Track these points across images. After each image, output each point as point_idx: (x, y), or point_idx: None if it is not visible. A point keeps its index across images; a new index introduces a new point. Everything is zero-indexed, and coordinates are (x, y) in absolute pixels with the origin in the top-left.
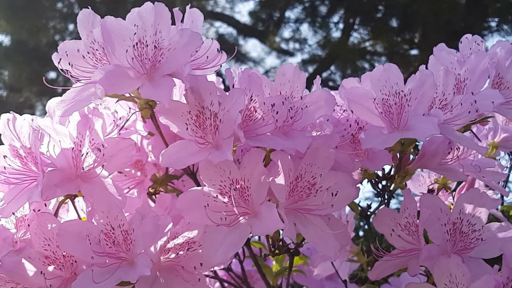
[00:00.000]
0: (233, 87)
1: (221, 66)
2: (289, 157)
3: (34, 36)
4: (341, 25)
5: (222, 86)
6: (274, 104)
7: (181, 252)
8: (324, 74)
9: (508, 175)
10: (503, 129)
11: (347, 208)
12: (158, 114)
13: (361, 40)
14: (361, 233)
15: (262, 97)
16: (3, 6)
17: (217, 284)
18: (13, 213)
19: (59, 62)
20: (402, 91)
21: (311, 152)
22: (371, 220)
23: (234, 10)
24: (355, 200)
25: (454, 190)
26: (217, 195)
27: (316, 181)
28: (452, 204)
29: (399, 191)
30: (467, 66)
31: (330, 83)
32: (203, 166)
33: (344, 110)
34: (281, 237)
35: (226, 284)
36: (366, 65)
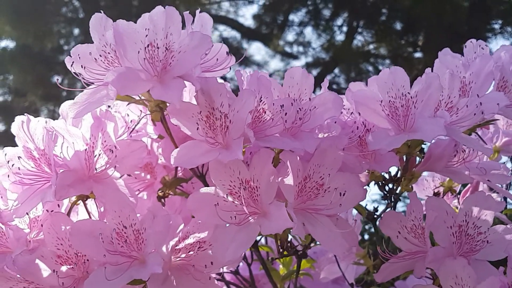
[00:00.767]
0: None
1: (230, 68)
2: (298, 158)
3: (39, 41)
4: (344, 28)
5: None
6: (283, 105)
7: (191, 252)
8: (328, 77)
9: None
10: (504, 133)
11: (354, 211)
12: (169, 114)
13: (365, 43)
14: (366, 237)
15: (271, 98)
16: (8, 11)
17: (225, 287)
18: (27, 213)
19: (71, 65)
20: (408, 93)
21: (320, 153)
22: (377, 223)
23: (238, 13)
24: (361, 203)
25: (459, 193)
26: (226, 195)
27: (324, 181)
28: (457, 207)
29: (405, 194)
30: (472, 69)
31: (334, 86)
32: (213, 166)
33: (351, 113)
34: (289, 239)
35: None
36: (370, 68)
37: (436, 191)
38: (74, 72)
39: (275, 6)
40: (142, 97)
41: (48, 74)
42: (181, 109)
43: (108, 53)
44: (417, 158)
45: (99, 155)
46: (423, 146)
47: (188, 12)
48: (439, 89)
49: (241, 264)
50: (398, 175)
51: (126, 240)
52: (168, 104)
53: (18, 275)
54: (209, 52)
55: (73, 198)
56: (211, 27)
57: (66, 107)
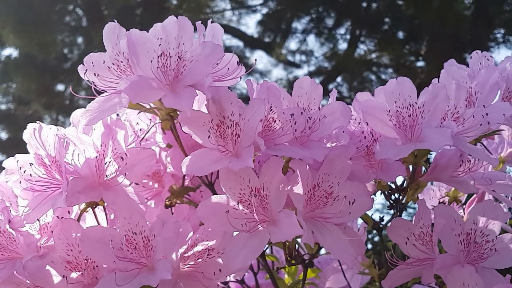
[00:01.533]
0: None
1: (240, 78)
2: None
3: (43, 50)
4: (347, 37)
5: None
6: (293, 114)
7: (200, 259)
8: (331, 86)
9: None
10: (509, 143)
11: (359, 221)
12: (180, 123)
13: (367, 52)
14: (369, 246)
15: (280, 108)
16: (12, 20)
17: None
18: (38, 220)
19: (85, 73)
20: (415, 103)
21: (328, 161)
22: (383, 233)
23: (240, 22)
24: (367, 213)
25: (465, 203)
26: (237, 203)
27: (333, 190)
28: (463, 217)
29: (410, 203)
30: (478, 80)
31: (337, 95)
32: (223, 174)
33: (359, 123)
34: (296, 248)
35: None
36: (373, 77)
37: (441, 200)
38: (87, 80)
39: (277, 15)
40: (153, 106)
41: (52, 82)
42: (192, 117)
43: (121, 61)
44: (423, 168)
45: (109, 162)
46: (428, 156)
47: (200, 22)
48: (445, 99)
49: (246, 274)
50: (404, 185)
51: (136, 247)
52: (179, 113)
53: (27, 281)
54: (220, 61)
55: (83, 205)
56: (222, 37)
57: (77, 114)
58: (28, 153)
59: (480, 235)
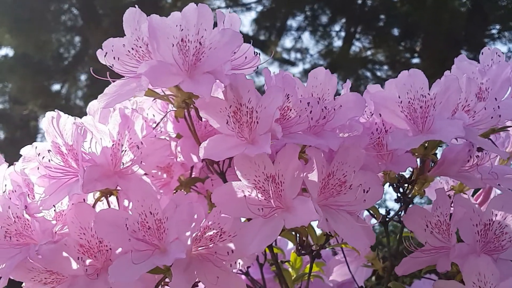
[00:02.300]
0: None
1: (257, 68)
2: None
3: (39, 49)
4: (342, 34)
5: None
6: (309, 102)
7: (211, 243)
8: None
9: None
10: None
11: (365, 213)
12: (198, 108)
13: (362, 49)
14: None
15: (295, 97)
16: (7, 20)
17: None
18: (54, 206)
19: (105, 56)
20: (427, 94)
21: (343, 150)
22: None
23: None
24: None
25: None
26: (251, 189)
27: (347, 178)
28: None
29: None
30: (489, 75)
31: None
32: (239, 161)
33: (371, 114)
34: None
35: None
36: (368, 74)
37: (447, 194)
38: (108, 65)
39: (272, 13)
40: (170, 92)
41: (48, 82)
42: (210, 103)
43: (140, 47)
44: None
45: (125, 151)
46: (437, 151)
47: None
48: (458, 91)
49: (252, 262)
50: (413, 178)
51: (149, 229)
52: (194, 101)
53: (40, 266)
54: (237, 50)
55: (97, 194)
56: (239, 27)
57: (94, 105)
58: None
59: (498, 227)
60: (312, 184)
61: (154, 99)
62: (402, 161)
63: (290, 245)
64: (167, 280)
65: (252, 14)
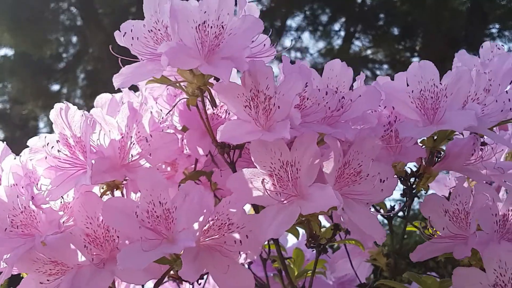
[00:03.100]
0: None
1: (275, 56)
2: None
3: (38, 49)
4: (342, 33)
5: None
6: (327, 92)
7: (217, 233)
8: None
9: None
10: None
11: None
12: (216, 91)
13: (362, 48)
14: None
15: (311, 87)
16: (7, 19)
17: None
18: (61, 197)
19: (123, 36)
20: (440, 84)
21: (359, 140)
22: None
23: None
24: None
25: None
26: (267, 176)
27: (362, 168)
28: None
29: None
30: (491, 67)
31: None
32: (254, 147)
33: (385, 107)
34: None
35: None
36: (368, 73)
37: (452, 190)
38: (125, 45)
39: (272, 12)
40: (182, 79)
41: (47, 82)
42: (228, 87)
43: (159, 30)
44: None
45: (133, 145)
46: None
47: None
48: (469, 82)
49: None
50: (420, 171)
51: (157, 218)
52: (209, 88)
53: (45, 256)
54: (256, 38)
55: (104, 188)
56: (258, 16)
57: (102, 98)
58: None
59: None
60: (329, 172)
61: (167, 85)
62: (411, 152)
63: (290, 242)
64: (171, 272)
65: None
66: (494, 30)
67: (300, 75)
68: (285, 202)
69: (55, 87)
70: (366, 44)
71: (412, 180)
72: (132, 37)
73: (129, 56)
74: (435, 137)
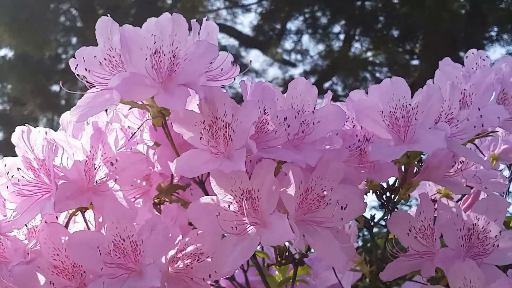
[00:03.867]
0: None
1: (234, 79)
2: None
3: (38, 50)
4: (342, 36)
5: None
6: (286, 117)
7: (188, 262)
8: (326, 85)
9: (509, 187)
10: (503, 140)
11: None
12: (172, 122)
13: (362, 51)
14: (360, 243)
15: (274, 109)
16: (6, 20)
17: None
18: (25, 225)
19: (76, 68)
20: (409, 104)
21: (322, 165)
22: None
23: (235, 21)
24: None
25: (459, 200)
26: (227, 205)
27: (326, 193)
28: None
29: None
30: (473, 81)
31: (332, 94)
32: (214, 176)
33: (354, 126)
34: (287, 246)
35: None
36: (368, 75)
37: (433, 198)
38: (77, 74)
39: (272, 14)
40: (145, 102)
41: (47, 83)
42: (184, 117)
43: (113, 57)
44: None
45: (99, 167)
46: (422, 156)
47: (195, 20)
48: (440, 101)
49: (236, 270)
50: (396, 185)
51: (124, 252)
52: (171, 111)
53: (14, 286)
54: (214, 61)
55: (72, 210)
56: (217, 35)
57: (67, 116)
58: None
59: (481, 231)
60: (289, 199)
61: (130, 108)
62: (384, 170)
63: None
64: None
65: (252, 16)
66: (493, 33)
67: (262, 98)
68: (245, 231)
69: (55, 88)
70: (366, 46)
71: (390, 193)
72: (85, 68)
73: None
74: (408, 155)
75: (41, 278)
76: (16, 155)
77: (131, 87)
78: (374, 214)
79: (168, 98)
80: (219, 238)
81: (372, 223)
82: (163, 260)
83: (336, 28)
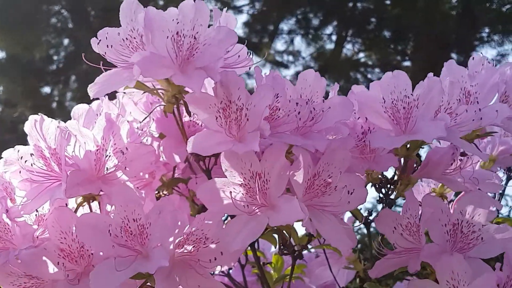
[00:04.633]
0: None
1: (249, 68)
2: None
3: (29, 51)
4: (334, 37)
5: None
6: (298, 103)
7: (194, 249)
8: None
9: (504, 189)
10: (501, 142)
11: (347, 215)
12: (188, 102)
13: (354, 52)
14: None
15: (285, 97)
16: None
17: None
18: (36, 210)
19: (98, 44)
20: (410, 95)
21: (330, 152)
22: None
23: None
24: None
25: (451, 201)
26: (237, 187)
27: (332, 180)
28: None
29: (400, 201)
30: (478, 80)
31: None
32: (225, 157)
33: (358, 118)
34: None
35: None
36: (359, 76)
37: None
38: (102, 53)
39: (264, 16)
40: (159, 87)
41: (38, 84)
42: (200, 98)
43: (134, 38)
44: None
45: (109, 157)
46: (421, 153)
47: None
48: (440, 93)
49: (232, 268)
50: (395, 178)
51: (131, 234)
52: (184, 96)
53: (19, 270)
54: (231, 49)
55: (80, 199)
56: (235, 26)
57: (78, 109)
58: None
59: (466, 226)
60: (298, 183)
61: (144, 93)
62: (384, 161)
63: (273, 248)
64: (148, 284)
65: (244, 17)
66: (484, 34)
67: (273, 86)
68: (254, 212)
69: (47, 90)
70: (358, 47)
71: (389, 186)
72: (107, 45)
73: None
74: (408, 146)
75: (48, 262)
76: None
77: (151, 65)
78: (372, 210)
79: (185, 78)
80: (222, 224)
81: (369, 220)
82: (170, 243)
83: (328, 30)
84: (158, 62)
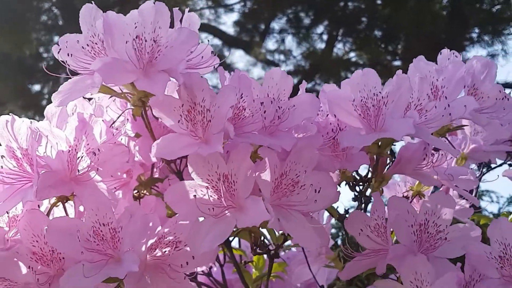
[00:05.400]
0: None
1: (214, 67)
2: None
3: (18, 49)
4: (325, 37)
5: None
6: (263, 103)
7: (167, 251)
8: (309, 85)
9: (478, 186)
10: (471, 140)
11: (326, 214)
12: (151, 106)
13: (345, 52)
14: (339, 242)
15: (251, 96)
16: None
17: None
18: (7, 212)
19: (58, 53)
20: (380, 93)
21: (296, 151)
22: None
23: (219, 21)
24: (333, 206)
25: None
26: (204, 189)
27: (300, 179)
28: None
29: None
30: (445, 74)
31: (314, 94)
32: (192, 160)
33: (327, 115)
34: (262, 239)
35: None
36: (350, 76)
37: (405, 195)
38: (60, 60)
39: (255, 14)
40: (125, 91)
41: (28, 82)
42: (164, 101)
43: (95, 43)
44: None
45: (82, 157)
46: (394, 150)
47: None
48: (409, 90)
49: (214, 268)
50: (369, 176)
51: (103, 238)
52: (150, 98)
53: None
54: (194, 50)
55: (53, 200)
56: (198, 26)
57: (51, 109)
58: None
59: (432, 226)
60: (265, 183)
61: (110, 97)
62: (355, 159)
63: None
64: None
65: (235, 16)
66: (474, 35)
67: (239, 86)
68: (222, 214)
69: (36, 87)
70: (349, 47)
71: (363, 184)
72: (68, 53)
73: None
74: (380, 144)
75: (20, 265)
76: None
77: (112, 71)
78: (348, 209)
79: (148, 82)
80: (196, 225)
81: (346, 218)
82: (141, 247)
83: (319, 29)
84: (120, 67)
